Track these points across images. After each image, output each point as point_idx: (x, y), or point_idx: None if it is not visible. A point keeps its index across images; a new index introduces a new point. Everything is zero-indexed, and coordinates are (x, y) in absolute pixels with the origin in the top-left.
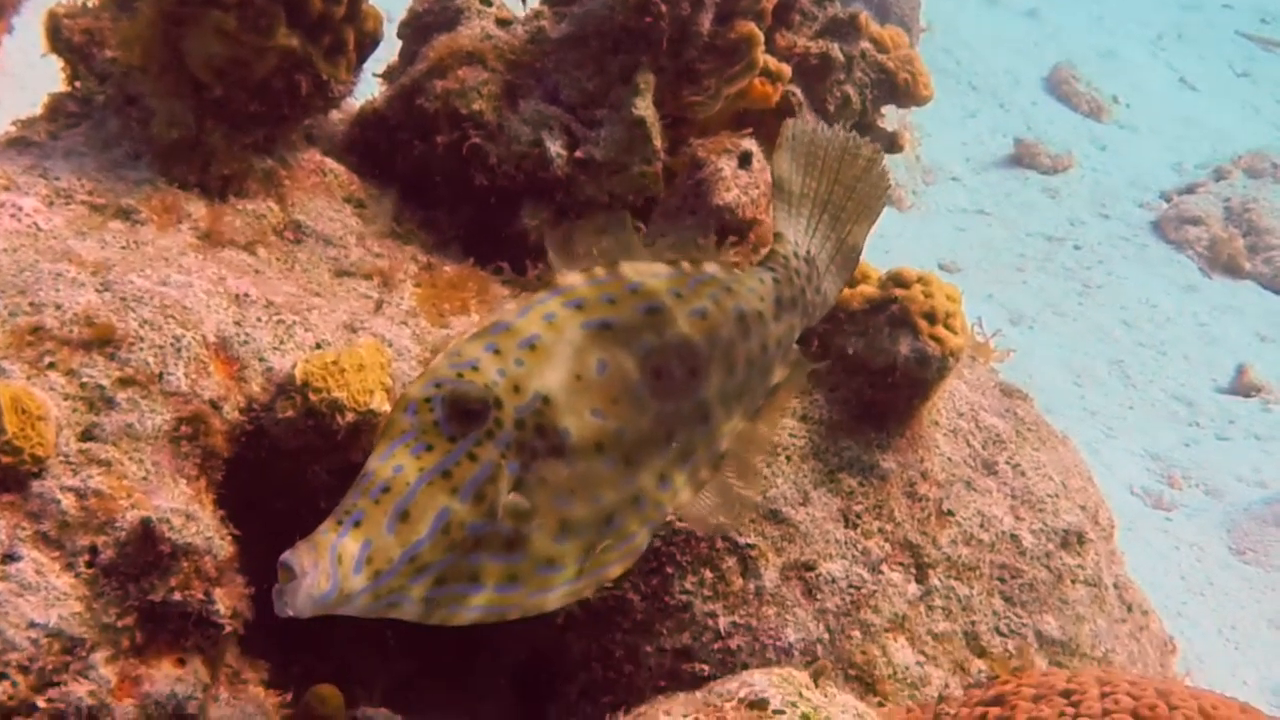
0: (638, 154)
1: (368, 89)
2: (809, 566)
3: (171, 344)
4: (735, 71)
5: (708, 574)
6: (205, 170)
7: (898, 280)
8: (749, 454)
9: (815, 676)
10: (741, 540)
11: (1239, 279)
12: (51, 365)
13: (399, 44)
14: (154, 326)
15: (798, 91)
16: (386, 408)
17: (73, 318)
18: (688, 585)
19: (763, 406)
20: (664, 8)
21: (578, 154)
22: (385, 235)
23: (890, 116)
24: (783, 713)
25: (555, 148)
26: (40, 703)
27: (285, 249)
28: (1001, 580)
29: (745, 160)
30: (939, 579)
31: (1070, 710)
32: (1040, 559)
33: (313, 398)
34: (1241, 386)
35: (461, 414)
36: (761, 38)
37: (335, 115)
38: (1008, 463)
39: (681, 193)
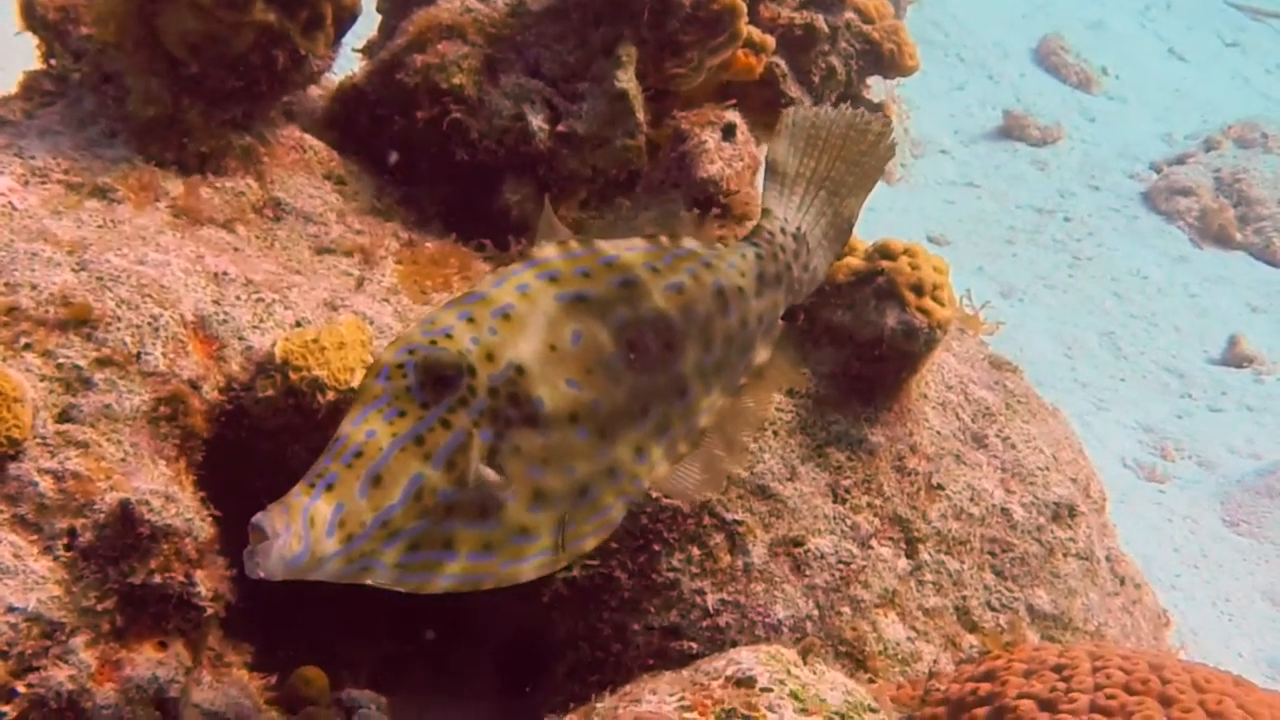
0: (620, 127)
1: (347, 64)
2: (797, 542)
3: (149, 323)
4: (718, 43)
5: (695, 551)
6: (182, 148)
7: (884, 252)
8: (737, 430)
9: (804, 654)
10: (729, 516)
11: (1230, 250)
12: (27, 346)
13: (378, 18)
14: (131, 306)
15: (782, 63)
16: None
17: (49, 298)
18: (675, 562)
19: (751, 385)
20: None
21: (560, 128)
22: (366, 212)
23: (878, 88)
24: (770, 690)
25: (537, 122)
26: (20, 688)
27: (265, 226)
28: (992, 554)
29: (729, 132)
30: (929, 554)
31: (1062, 685)
32: (1031, 532)
33: (293, 376)
34: (1234, 357)
35: (435, 380)
36: (744, 9)
37: (314, 91)
38: (997, 435)
39: (665, 166)
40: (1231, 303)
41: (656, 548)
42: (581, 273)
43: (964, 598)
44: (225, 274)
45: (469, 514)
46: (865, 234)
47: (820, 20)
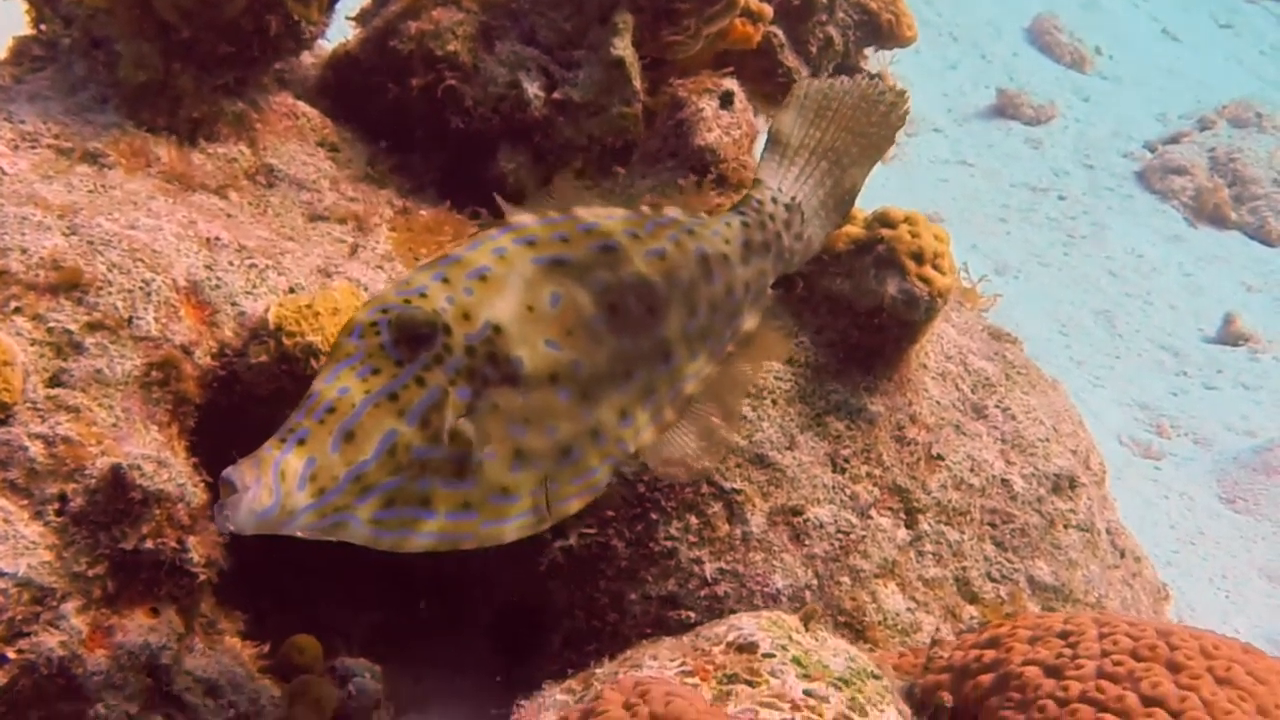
0: (617, 95)
1: (340, 32)
2: (796, 511)
3: (141, 288)
4: (715, 10)
5: (693, 519)
6: (174, 113)
7: (884, 220)
8: (733, 398)
9: (805, 620)
10: (727, 485)
11: (1224, 229)
12: (17, 310)
13: None
14: (123, 270)
15: (779, 32)
16: None
17: (39, 261)
18: (673, 531)
19: (743, 352)
20: None
21: (555, 95)
22: (359, 179)
23: (874, 62)
24: (773, 656)
25: (533, 89)
26: (10, 653)
27: (257, 193)
28: (993, 525)
29: (727, 100)
30: (929, 524)
31: (1069, 651)
32: (1031, 504)
33: (286, 342)
34: (1229, 335)
35: (409, 338)
36: None
37: (307, 59)
38: (997, 406)
39: (662, 134)
40: (1226, 282)
41: (654, 516)
42: (560, 238)
43: (964, 568)
44: (218, 239)
45: (446, 471)
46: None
47: None
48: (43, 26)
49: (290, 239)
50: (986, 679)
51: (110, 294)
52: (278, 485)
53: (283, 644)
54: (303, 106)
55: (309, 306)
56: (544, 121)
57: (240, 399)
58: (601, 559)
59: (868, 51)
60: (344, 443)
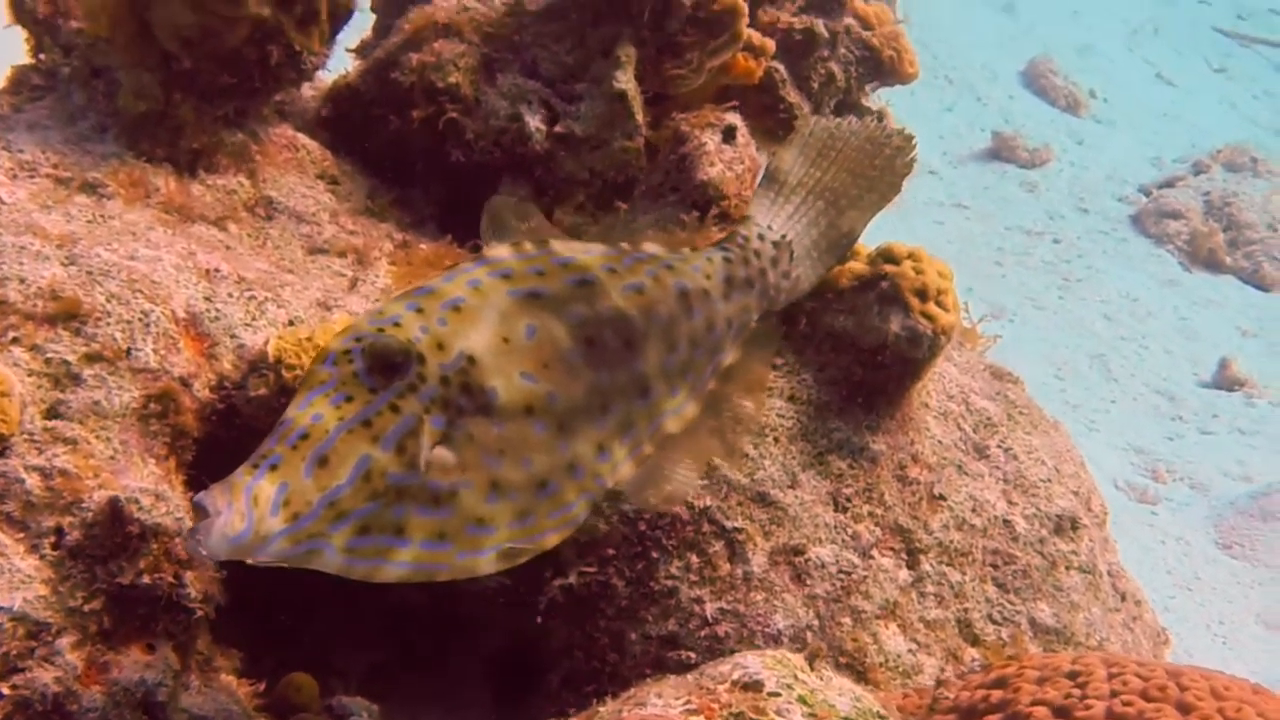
0: (619, 129)
1: (340, 64)
2: (798, 551)
3: (140, 319)
4: (718, 44)
5: (694, 558)
6: (174, 144)
7: (887, 256)
8: (736, 434)
9: (810, 659)
10: (729, 524)
11: (1219, 273)
12: (15, 340)
13: (372, 19)
14: (121, 301)
15: (781, 68)
16: None
17: (37, 291)
18: (673, 570)
19: (737, 380)
20: None
21: (557, 129)
22: (359, 213)
23: (872, 99)
24: (778, 695)
25: (534, 122)
26: (4, 689)
27: (256, 225)
28: (994, 566)
29: (729, 134)
30: (931, 565)
31: (1077, 691)
32: (1034, 545)
33: (286, 375)
34: (1225, 380)
35: (383, 366)
36: (745, 10)
37: (307, 91)
38: (999, 446)
39: (664, 168)
40: (1222, 326)
41: (655, 555)
42: (536, 271)
43: (966, 610)
44: (217, 271)
45: (421, 500)
46: None
47: (820, 25)
48: (41, 55)
49: (290, 271)
50: (994, 719)
51: (109, 325)
52: (250, 510)
53: (279, 682)
54: (303, 139)
55: (309, 339)
56: (545, 155)
57: (239, 432)
58: (601, 598)
59: (868, 88)
60: (318, 468)
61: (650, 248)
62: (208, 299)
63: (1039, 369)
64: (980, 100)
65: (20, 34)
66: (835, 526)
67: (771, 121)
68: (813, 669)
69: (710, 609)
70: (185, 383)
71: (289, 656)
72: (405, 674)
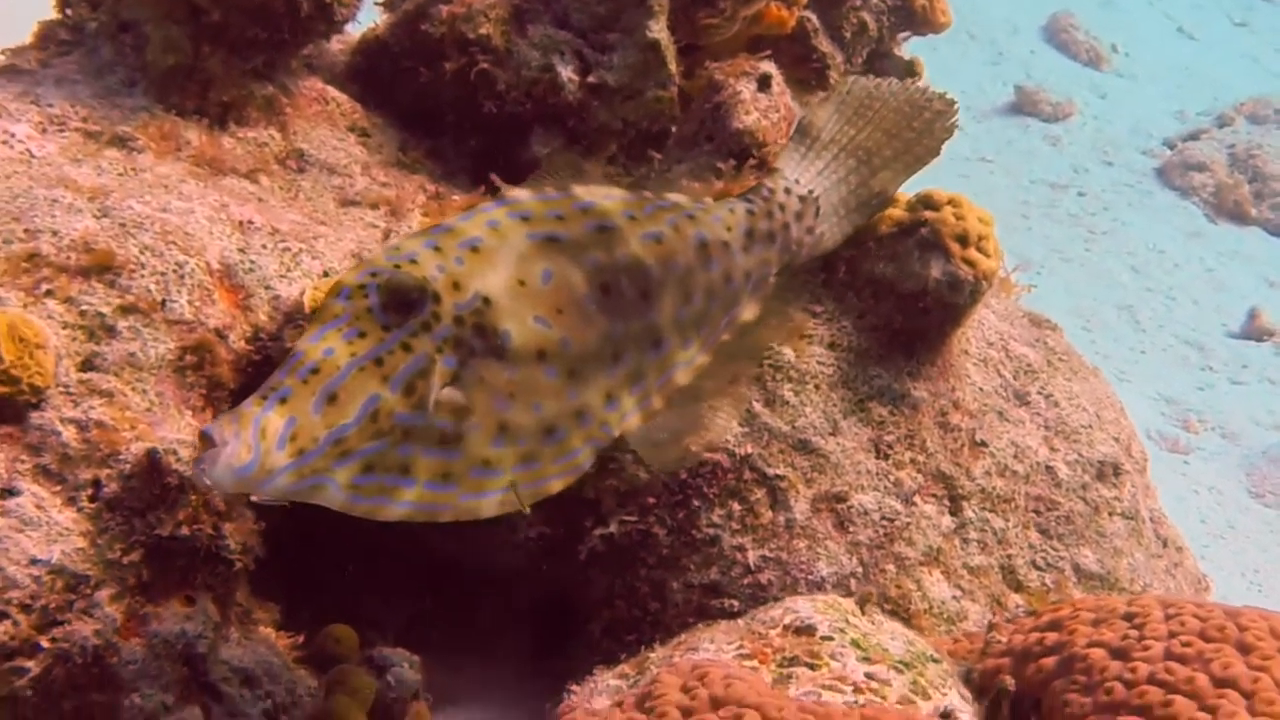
0: (652, 78)
1: (369, 17)
2: (840, 498)
3: (174, 271)
4: None
5: (736, 506)
6: (203, 97)
7: (927, 202)
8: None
9: (861, 604)
10: (770, 471)
11: (1245, 225)
12: (49, 293)
13: None
14: (155, 253)
15: (813, 17)
16: None
17: (70, 244)
18: (715, 518)
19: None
20: None
21: (590, 79)
22: (391, 165)
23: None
24: (831, 639)
25: (567, 73)
26: (44, 642)
27: (288, 177)
28: (1037, 512)
29: (765, 83)
30: (973, 511)
31: (1134, 633)
32: (1076, 491)
33: None
34: (1254, 330)
35: (398, 303)
36: None
37: (336, 45)
38: (1040, 392)
39: (698, 117)
40: (1248, 277)
41: (696, 503)
42: (555, 215)
43: (1009, 556)
44: (251, 223)
45: (428, 440)
46: None
47: None
48: (68, 10)
49: (323, 223)
50: (1049, 662)
51: (143, 277)
52: (257, 443)
53: (318, 634)
54: (332, 91)
55: None
56: (578, 106)
57: None
58: (643, 547)
59: (900, 37)
60: (327, 404)
61: (673, 196)
62: (242, 251)
63: (1067, 320)
64: (1002, 55)
65: None
66: (877, 473)
67: (804, 71)
68: (864, 613)
69: (753, 557)
70: (221, 334)
71: (326, 609)
72: (441, 626)
